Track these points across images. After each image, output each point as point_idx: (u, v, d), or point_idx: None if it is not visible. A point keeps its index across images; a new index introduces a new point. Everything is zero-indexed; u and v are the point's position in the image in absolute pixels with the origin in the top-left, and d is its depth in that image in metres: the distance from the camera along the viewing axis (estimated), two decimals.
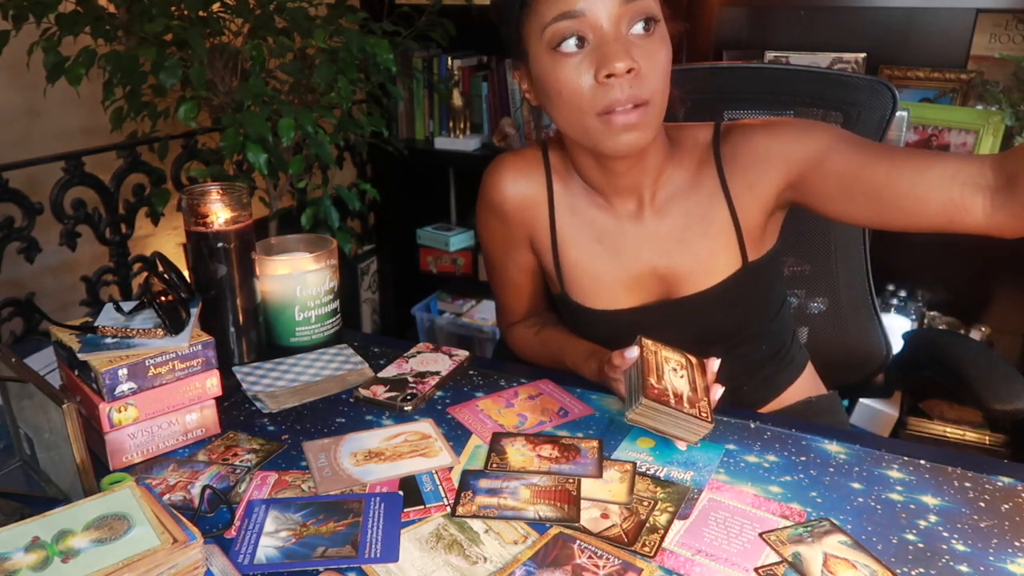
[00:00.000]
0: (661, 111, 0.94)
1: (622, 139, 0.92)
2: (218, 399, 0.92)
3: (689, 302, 1.04)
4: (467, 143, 2.43)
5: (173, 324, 0.89)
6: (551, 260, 1.09)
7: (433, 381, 1.01)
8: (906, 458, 0.85)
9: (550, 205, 1.08)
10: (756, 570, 0.69)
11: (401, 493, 0.80)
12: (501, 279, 1.17)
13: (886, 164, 0.91)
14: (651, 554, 0.71)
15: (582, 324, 1.10)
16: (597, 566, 0.69)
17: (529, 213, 1.09)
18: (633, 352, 0.90)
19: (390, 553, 0.72)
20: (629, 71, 0.88)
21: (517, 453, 0.86)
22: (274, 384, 1.01)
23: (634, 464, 0.84)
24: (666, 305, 1.05)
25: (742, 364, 1.08)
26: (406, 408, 0.96)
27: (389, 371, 1.04)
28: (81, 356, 0.85)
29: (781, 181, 0.99)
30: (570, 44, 0.90)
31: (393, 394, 0.98)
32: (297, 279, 1.08)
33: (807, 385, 1.17)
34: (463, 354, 1.09)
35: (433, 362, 1.07)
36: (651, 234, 1.04)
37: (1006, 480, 0.81)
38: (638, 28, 0.89)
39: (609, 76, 0.88)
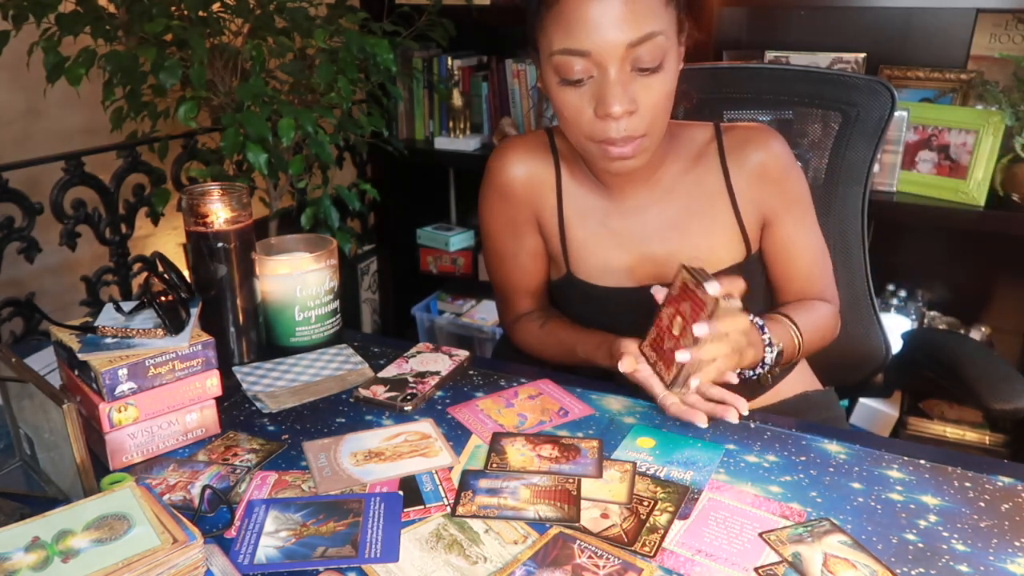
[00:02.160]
0: (658, 139, 0.98)
1: (614, 166, 0.97)
2: (218, 399, 0.92)
3: None
4: (467, 143, 2.43)
5: (173, 324, 0.89)
6: (557, 240, 1.10)
7: (433, 381, 1.01)
8: (906, 458, 0.85)
9: (558, 187, 1.10)
10: (756, 570, 0.69)
11: (401, 493, 0.80)
12: (508, 266, 1.17)
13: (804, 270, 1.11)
14: (651, 554, 0.71)
15: (587, 303, 1.11)
16: (597, 566, 0.69)
17: (536, 192, 1.11)
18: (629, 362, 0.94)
19: (390, 553, 0.72)
20: (627, 113, 0.91)
21: (517, 453, 0.86)
22: (274, 384, 1.01)
23: (634, 464, 0.84)
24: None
25: None
26: (406, 408, 0.96)
27: (389, 371, 1.04)
28: (81, 356, 0.85)
29: (768, 217, 1.08)
30: (573, 78, 0.92)
31: (393, 394, 0.98)
32: (297, 279, 1.08)
33: (802, 379, 1.19)
34: (463, 354, 1.09)
35: (433, 362, 1.07)
36: (653, 221, 1.07)
37: (1006, 480, 0.81)
38: (642, 66, 0.91)
39: (606, 115, 0.91)
